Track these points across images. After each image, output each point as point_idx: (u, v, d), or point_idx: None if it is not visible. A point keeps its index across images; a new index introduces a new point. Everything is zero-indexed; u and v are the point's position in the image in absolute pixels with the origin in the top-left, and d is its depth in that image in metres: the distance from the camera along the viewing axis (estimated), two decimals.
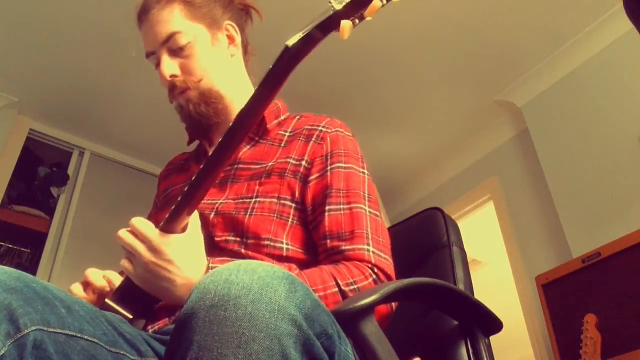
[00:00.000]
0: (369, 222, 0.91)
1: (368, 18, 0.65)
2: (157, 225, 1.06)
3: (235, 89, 1.06)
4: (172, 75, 1.00)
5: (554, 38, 2.74)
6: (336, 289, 0.80)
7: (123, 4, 2.49)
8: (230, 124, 0.72)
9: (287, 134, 1.03)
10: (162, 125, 3.15)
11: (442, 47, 2.78)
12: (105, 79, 2.94)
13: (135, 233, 0.80)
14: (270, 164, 0.98)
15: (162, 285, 0.78)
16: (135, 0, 1.06)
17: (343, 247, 0.87)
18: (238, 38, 1.09)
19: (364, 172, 0.97)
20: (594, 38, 2.69)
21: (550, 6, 2.55)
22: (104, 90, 3.01)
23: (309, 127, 1.01)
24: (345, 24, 0.65)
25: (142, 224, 0.80)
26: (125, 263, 0.81)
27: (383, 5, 0.64)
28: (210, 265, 0.81)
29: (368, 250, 0.87)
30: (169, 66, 1.00)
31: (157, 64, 1.03)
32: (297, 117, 1.08)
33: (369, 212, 0.92)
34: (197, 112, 1.00)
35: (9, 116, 3.06)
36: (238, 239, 0.90)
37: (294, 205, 0.94)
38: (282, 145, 1.01)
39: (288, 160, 0.97)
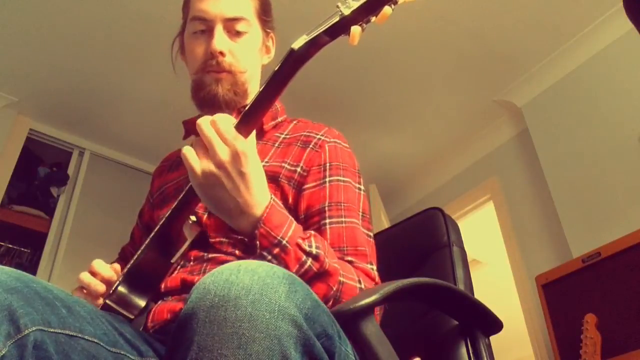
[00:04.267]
0: (365, 241, 0.91)
1: (374, 21, 0.65)
2: (154, 221, 1.07)
3: (253, 92, 1.05)
4: (222, 52, 0.99)
5: (554, 38, 2.74)
6: (360, 285, 0.80)
7: (123, 4, 2.50)
8: (234, 125, 0.72)
9: (283, 136, 1.02)
10: (162, 125, 3.15)
11: (442, 47, 2.78)
12: (106, 79, 2.94)
13: (218, 130, 0.70)
14: (262, 164, 0.97)
15: (221, 195, 0.71)
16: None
17: (348, 259, 0.87)
18: (273, 52, 1.13)
19: (360, 189, 0.97)
20: (594, 38, 2.69)
21: (551, 6, 2.55)
22: (104, 91, 3.01)
23: (307, 134, 1.00)
24: (356, 30, 0.65)
25: (227, 122, 0.70)
26: (191, 155, 0.71)
27: (393, 11, 0.63)
28: (272, 200, 0.74)
29: (372, 270, 0.88)
30: (224, 42, 0.99)
31: (202, 31, 1.01)
32: (295, 121, 1.07)
33: (364, 232, 0.92)
34: (224, 96, 0.99)
35: (9, 116, 3.06)
36: (232, 241, 0.89)
37: (286, 211, 0.93)
38: (277, 145, 1.00)
39: (283, 164, 0.95)
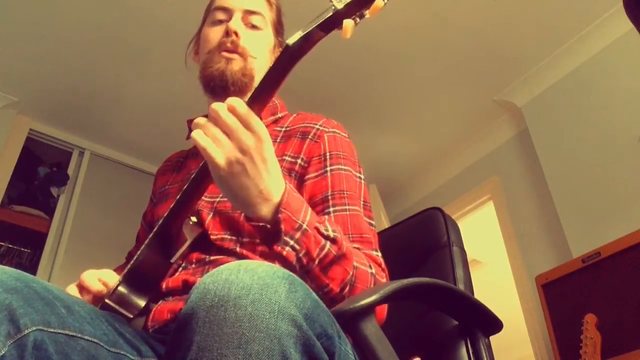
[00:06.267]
0: (368, 228, 0.91)
1: (368, 16, 0.65)
2: (154, 220, 1.07)
3: None
4: (237, 34, 1.03)
5: (554, 38, 2.74)
6: (371, 270, 0.80)
7: (123, 5, 2.50)
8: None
9: (283, 130, 1.03)
10: (162, 125, 3.15)
11: (442, 47, 2.78)
12: (105, 79, 2.94)
13: (237, 113, 0.67)
14: None
15: (244, 183, 0.68)
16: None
17: (354, 246, 0.86)
18: None
19: (360, 178, 0.97)
20: (594, 38, 2.69)
21: (550, 6, 2.56)
22: (104, 91, 3.01)
23: (305, 125, 1.01)
24: (348, 23, 0.65)
25: (245, 107, 0.68)
26: (208, 145, 0.67)
27: (385, 4, 0.64)
28: (288, 186, 0.74)
29: (378, 256, 0.88)
30: (239, 25, 1.05)
31: (221, 21, 1.07)
32: (294, 115, 1.09)
33: (367, 220, 0.92)
34: (233, 76, 1.01)
35: (9, 116, 3.07)
36: (234, 237, 0.89)
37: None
38: (278, 141, 1.01)
39: (284, 158, 0.96)
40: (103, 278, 0.93)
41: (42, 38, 2.69)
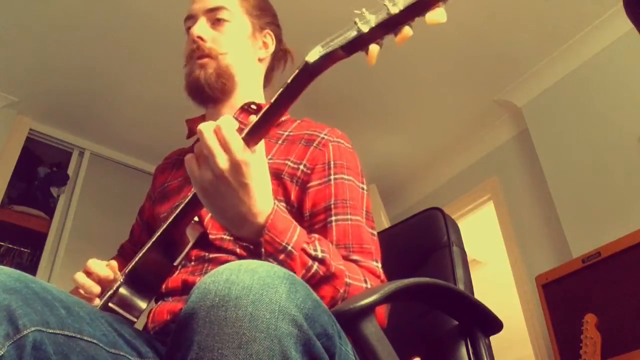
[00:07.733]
0: (370, 239, 0.91)
1: (392, 38, 0.62)
2: (154, 220, 1.07)
3: (247, 84, 1.09)
4: (200, 37, 1.04)
5: (554, 38, 2.74)
6: (366, 285, 0.80)
7: (123, 4, 2.50)
8: (243, 136, 0.70)
9: (286, 134, 1.03)
10: (162, 125, 3.15)
11: (442, 47, 2.77)
12: (105, 79, 2.94)
13: (219, 136, 0.67)
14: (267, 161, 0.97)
15: (222, 205, 0.69)
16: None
17: (353, 258, 0.87)
18: (271, 48, 1.15)
19: (363, 189, 0.97)
20: (594, 38, 2.69)
21: (550, 6, 2.55)
22: (104, 90, 3.01)
23: (310, 132, 1.01)
24: (374, 49, 0.62)
25: (230, 129, 0.67)
26: (191, 162, 0.69)
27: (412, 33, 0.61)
28: (276, 206, 0.73)
29: (377, 267, 0.88)
30: (202, 28, 1.05)
31: (190, 28, 1.07)
32: (298, 120, 1.08)
33: (369, 230, 0.92)
34: (207, 80, 1.03)
35: (9, 116, 3.06)
36: (232, 238, 0.89)
37: (288, 207, 0.93)
38: (280, 142, 1.01)
39: (286, 162, 0.96)
40: (110, 264, 0.92)
41: (42, 38, 2.69)
